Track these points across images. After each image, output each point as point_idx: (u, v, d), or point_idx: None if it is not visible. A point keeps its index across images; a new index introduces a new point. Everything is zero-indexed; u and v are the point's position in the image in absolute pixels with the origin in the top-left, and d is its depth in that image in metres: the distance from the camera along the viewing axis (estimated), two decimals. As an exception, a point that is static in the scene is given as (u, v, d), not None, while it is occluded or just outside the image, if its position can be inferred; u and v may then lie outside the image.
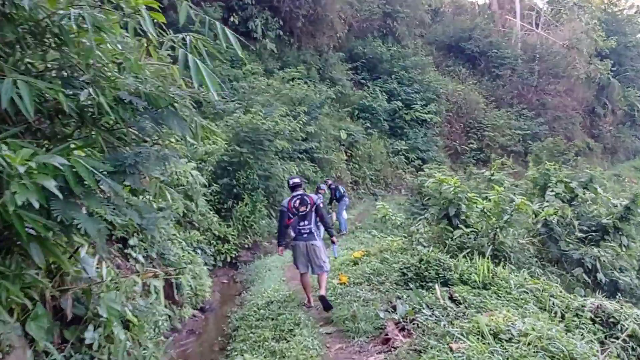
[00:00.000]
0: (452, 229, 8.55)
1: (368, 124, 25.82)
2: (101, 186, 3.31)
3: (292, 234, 7.12)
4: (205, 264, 11.29)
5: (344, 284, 7.84)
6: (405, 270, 7.07)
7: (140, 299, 5.61)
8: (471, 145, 30.74)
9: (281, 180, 14.31)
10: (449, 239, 8.45)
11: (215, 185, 12.89)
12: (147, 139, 4.26)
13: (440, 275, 6.70)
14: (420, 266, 6.91)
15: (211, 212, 12.40)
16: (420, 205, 14.96)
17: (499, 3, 42.64)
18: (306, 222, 6.91)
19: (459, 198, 8.64)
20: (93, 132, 3.86)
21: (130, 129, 4.08)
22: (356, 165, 23.87)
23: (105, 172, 3.28)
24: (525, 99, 34.70)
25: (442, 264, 6.87)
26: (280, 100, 18.27)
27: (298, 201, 7.02)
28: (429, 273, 6.74)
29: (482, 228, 8.31)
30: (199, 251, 11.18)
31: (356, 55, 28.98)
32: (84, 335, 3.98)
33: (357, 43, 29.49)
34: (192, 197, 9.86)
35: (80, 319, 4.09)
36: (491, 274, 6.56)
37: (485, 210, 8.22)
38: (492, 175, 14.05)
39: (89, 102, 3.64)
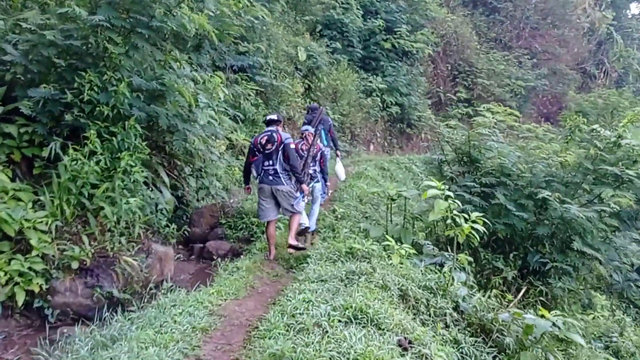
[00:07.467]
0: None
1: (337, 45, 17.88)
2: None
3: (254, 174, 6.23)
4: None
5: None
6: None
7: None
8: (459, 94, 23.61)
9: (189, 104, 6.22)
10: None
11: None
12: None
13: None
14: None
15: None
16: (471, 182, 7.59)
17: None
18: (270, 162, 6.08)
19: None
20: None
21: None
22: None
23: None
24: (525, 44, 27.79)
25: None
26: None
27: (266, 137, 6.09)
28: None
29: None
30: None
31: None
32: None
33: None
34: None
35: None
36: None
37: None
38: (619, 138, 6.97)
39: None
